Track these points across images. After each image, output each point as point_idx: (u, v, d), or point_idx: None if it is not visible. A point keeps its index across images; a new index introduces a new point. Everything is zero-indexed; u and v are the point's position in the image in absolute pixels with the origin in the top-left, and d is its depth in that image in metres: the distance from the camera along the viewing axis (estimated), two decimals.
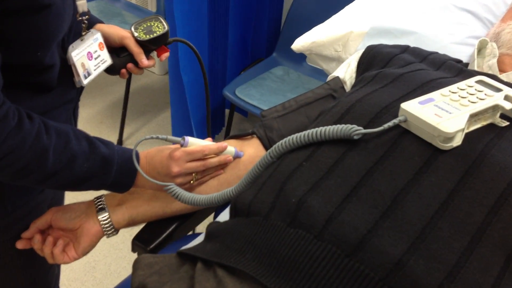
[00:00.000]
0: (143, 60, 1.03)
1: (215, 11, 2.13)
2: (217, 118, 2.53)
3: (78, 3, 0.91)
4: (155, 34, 1.02)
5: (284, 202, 0.70)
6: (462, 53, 1.14)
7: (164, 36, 1.03)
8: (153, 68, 3.01)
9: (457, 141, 0.71)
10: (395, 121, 0.73)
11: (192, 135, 2.28)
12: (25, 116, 0.81)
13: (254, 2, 2.35)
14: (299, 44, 1.29)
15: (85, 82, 0.97)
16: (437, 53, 1.01)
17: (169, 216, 1.04)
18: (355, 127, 0.73)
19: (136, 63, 1.04)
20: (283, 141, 0.79)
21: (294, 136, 0.78)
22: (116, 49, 1.04)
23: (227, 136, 2.42)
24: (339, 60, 1.27)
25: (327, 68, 1.31)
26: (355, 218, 0.65)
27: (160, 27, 1.03)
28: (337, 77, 1.04)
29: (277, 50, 2.45)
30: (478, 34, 1.17)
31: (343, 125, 0.74)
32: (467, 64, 1.02)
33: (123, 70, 1.05)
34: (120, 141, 2.62)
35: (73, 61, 0.94)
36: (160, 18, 1.05)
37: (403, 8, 1.24)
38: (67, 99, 0.98)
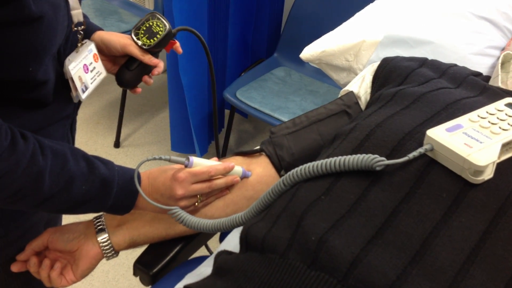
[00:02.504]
0: (154, 61, 0.98)
1: (215, 11, 2.08)
2: (217, 119, 2.47)
3: (73, 12, 0.85)
4: (158, 36, 0.96)
5: (303, 239, 0.64)
6: (481, 64, 1.09)
7: (168, 36, 0.97)
8: None
9: (488, 174, 0.65)
10: (421, 150, 0.67)
11: (191, 137, 2.25)
12: (19, 135, 0.76)
13: (255, 1, 2.29)
14: (308, 53, 1.23)
15: (83, 96, 0.92)
16: (456, 65, 0.96)
17: (172, 238, 0.99)
18: (377, 157, 0.67)
19: (147, 72, 1.00)
20: (298, 169, 0.74)
21: (310, 165, 0.72)
22: (125, 63, 1.00)
23: (226, 137, 2.39)
24: (350, 70, 1.21)
25: (337, 78, 1.25)
26: (383, 262, 0.59)
27: (161, 25, 0.97)
28: (351, 92, 0.99)
29: (278, 50, 2.40)
30: (497, 44, 1.12)
31: (364, 155, 0.68)
32: (487, 77, 0.97)
33: (138, 89, 1.02)
34: (117, 142, 2.57)
35: (71, 75, 0.88)
36: (157, 15, 0.98)
37: (418, 15, 1.18)
38: (64, 115, 0.93)
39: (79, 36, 0.90)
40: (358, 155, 0.69)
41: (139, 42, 0.96)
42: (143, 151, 2.56)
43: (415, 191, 0.65)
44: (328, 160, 0.71)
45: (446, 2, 1.19)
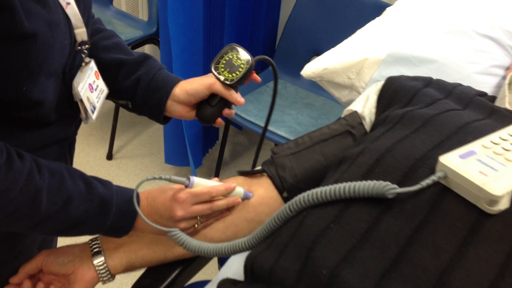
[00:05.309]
0: (239, 99, 0.97)
1: (211, 22, 2.06)
2: (212, 132, 2.46)
3: (76, 31, 0.82)
4: (240, 70, 0.93)
5: (313, 273, 0.62)
6: (485, 83, 1.07)
7: (250, 69, 0.94)
8: None
9: (504, 203, 0.63)
10: (434, 178, 0.65)
11: (185, 149, 2.22)
12: (15, 154, 0.74)
13: (250, 13, 2.29)
14: (310, 70, 1.21)
15: (94, 117, 0.90)
16: (461, 85, 0.94)
17: (170, 261, 0.96)
18: (389, 185, 0.65)
19: (228, 105, 0.98)
20: (305, 194, 0.71)
21: (318, 190, 0.70)
22: (206, 99, 0.98)
23: (221, 149, 2.36)
24: (352, 88, 1.19)
25: (339, 96, 1.24)
26: None
27: (241, 58, 0.94)
28: (355, 112, 0.96)
29: None
30: (501, 63, 1.11)
31: (375, 181, 0.66)
32: (492, 98, 0.96)
33: (219, 119, 1.00)
34: (110, 154, 2.54)
35: (80, 97, 0.86)
36: (236, 47, 0.95)
37: (422, 33, 1.17)
38: (63, 136, 0.91)
39: (83, 55, 0.87)
40: (369, 181, 0.67)
41: (221, 78, 0.93)
42: (136, 163, 2.52)
43: (428, 220, 0.63)
44: (337, 186, 0.68)
45: (449, 20, 1.18)
